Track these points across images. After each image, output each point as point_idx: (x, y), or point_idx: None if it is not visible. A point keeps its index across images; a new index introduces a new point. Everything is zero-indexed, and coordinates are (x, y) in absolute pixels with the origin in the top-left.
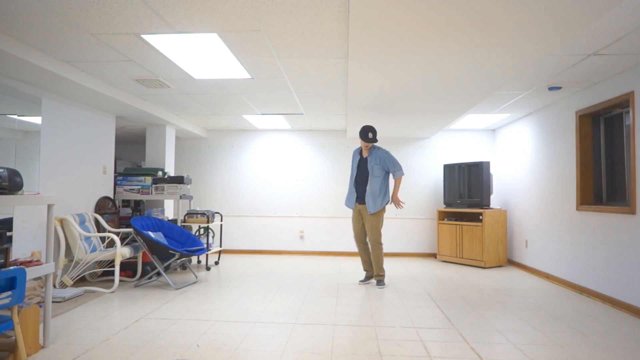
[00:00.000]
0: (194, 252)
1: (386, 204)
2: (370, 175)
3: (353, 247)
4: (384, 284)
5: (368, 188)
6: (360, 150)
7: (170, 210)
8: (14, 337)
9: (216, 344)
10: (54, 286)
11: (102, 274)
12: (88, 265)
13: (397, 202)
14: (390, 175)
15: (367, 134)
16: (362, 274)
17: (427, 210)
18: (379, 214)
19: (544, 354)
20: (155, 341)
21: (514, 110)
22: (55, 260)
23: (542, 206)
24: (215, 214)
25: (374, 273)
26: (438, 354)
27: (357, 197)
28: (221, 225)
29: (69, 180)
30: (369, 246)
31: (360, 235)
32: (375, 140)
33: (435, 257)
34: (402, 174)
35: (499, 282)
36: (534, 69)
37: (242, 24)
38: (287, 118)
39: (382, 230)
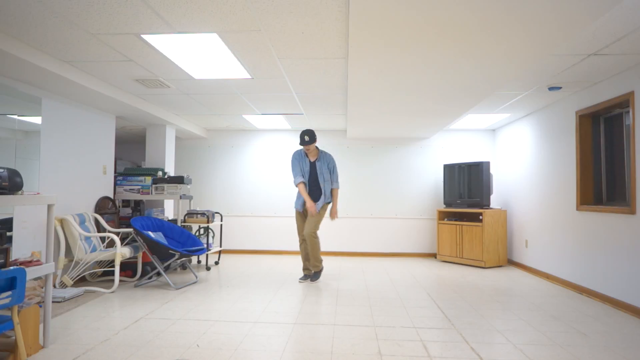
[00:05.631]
0: (194, 252)
1: (327, 202)
2: (321, 178)
3: (353, 247)
4: (319, 277)
5: (323, 187)
6: (304, 154)
7: (170, 210)
8: (14, 337)
9: (216, 344)
10: (54, 286)
11: (102, 274)
12: (88, 265)
13: (334, 214)
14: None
15: (303, 137)
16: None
17: (427, 210)
18: (324, 208)
19: (544, 354)
20: (155, 341)
21: (514, 110)
22: (55, 260)
23: (542, 206)
24: (215, 214)
25: (310, 272)
26: (438, 354)
27: (312, 197)
28: (221, 225)
29: (69, 180)
30: (310, 238)
31: None
32: (313, 141)
33: (435, 257)
34: (339, 187)
35: (499, 282)
36: (534, 69)
37: (242, 24)
38: (287, 118)
39: (382, 230)
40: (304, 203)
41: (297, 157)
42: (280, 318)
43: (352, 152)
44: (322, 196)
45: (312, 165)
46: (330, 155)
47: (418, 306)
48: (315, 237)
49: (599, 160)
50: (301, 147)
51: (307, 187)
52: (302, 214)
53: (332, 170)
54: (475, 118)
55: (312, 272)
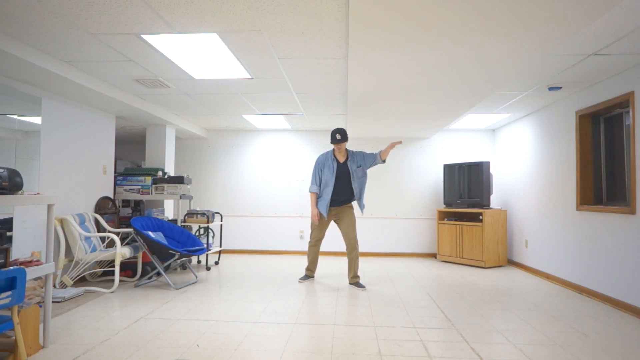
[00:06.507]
0: (194, 252)
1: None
2: (354, 178)
3: None
4: (364, 286)
5: (357, 190)
6: (331, 157)
7: (170, 210)
8: (14, 337)
9: (216, 344)
10: (54, 286)
11: (102, 274)
12: (88, 265)
13: (392, 145)
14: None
15: (335, 135)
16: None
17: (427, 210)
18: (353, 212)
19: (544, 354)
20: (155, 341)
21: (514, 110)
22: (55, 260)
23: (542, 206)
24: (215, 214)
25: (312, 273)
26: (438, 354)
27: (335, 202)
28: (221, 225)
29: (69, 180)
30: (351, 248)
31: (322, 239)
32: (345, 139)
33: (435, 257)
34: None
35: (499, 282)
36: (534, 69)
37: (242, 24)
38: (287, 118)
39: (382, 230)
40: (327, 206)
41: (319, 164)
42: (280, 318)
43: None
44: (359, 196)
45: (342, 166)
46: (357, 151)
47: (418, 306)
48: (357, 242)
49: (599, 160)
50: (332, 147)
51: (333, 191)
52: (323, 219)
53: (366, 161)
54: (475, 118)
55: (358, 280)
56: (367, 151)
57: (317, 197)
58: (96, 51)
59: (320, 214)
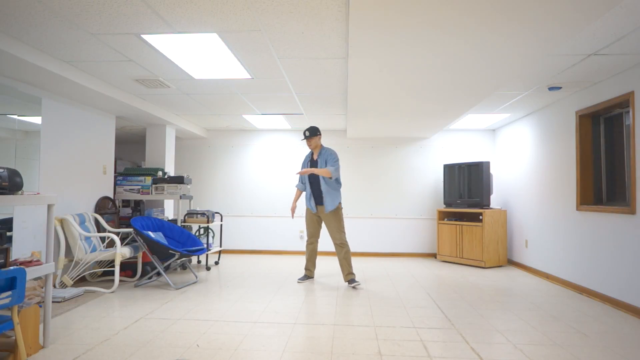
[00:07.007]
0: (194, 252)
1: (339, 202)
2: (321, 177)
3: (352, 248)
4: (358, 282)
5: (323, 188)
6: (310, 154)
7: (170, 210)
8: (14, 337)
9: (216, 344)
10: (54, 286)
11: (102, 274)
12: (88, 265)
13: (308, 170)
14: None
15: (304, 132)
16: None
17: (427, 210)
18: (337, 213)
19: (544, 354)
20: (155, 341)
21: (514, 110)
22: (55, 260)
23: (542, 206)
24: (215, 214)
25: (312, 273)
26: (438, 354)
27: (315, 199)
28: (221, 225)
29: (69, 180)
30: (339, 248)
31: (316, 235)
32: (314, 136)
33: (435, 257)
34: (335, 174)
35: (499, 282)
36: (535, 68)
37: (242, 24)
38: (287, 118)
39: (382, 230)
40: (309, 201)
41: (304, 161)
42: (280, 318)
43: (352, 152)
44: (326, 195)
45: (314, 163)
46: (330, 150)
47: (418, 306)
48: (346, 243)
49: (599, 160)
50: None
51: (311, 188)
52: (314, 215)
53: (329, 162)
54: (475, 118)
55: (352, 277)
56: (366, 152)
57: (301, 193)
58: (96, 51)
59: (308, 209)
